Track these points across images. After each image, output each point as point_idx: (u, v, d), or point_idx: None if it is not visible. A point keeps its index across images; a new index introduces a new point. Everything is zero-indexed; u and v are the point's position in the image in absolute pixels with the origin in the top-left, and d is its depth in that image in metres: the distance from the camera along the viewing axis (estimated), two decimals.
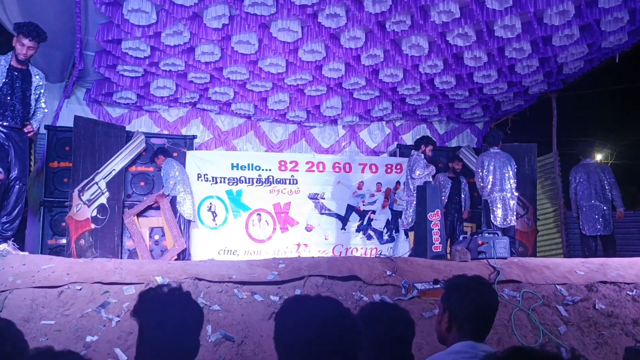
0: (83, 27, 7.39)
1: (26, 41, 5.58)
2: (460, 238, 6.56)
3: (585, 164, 8.25)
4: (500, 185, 7.68)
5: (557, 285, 5.32)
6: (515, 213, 7.81)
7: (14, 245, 5.46)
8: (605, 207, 7.93)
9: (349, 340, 1.65)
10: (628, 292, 5.32)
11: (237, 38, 7.68)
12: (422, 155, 8.00)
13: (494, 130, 8.70)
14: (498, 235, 6.07)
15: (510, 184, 7.72)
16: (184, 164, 8.84)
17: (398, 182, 9.70)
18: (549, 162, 10.11)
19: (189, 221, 8.36)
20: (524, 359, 1.12)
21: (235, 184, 9.16)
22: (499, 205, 7.64)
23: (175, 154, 8.86)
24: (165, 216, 8.09)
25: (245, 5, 7.03)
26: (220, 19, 7.26)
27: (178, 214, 8.15)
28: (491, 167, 7.75)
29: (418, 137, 10.53)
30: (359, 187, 9.59)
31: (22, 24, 5.65)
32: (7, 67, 5.61)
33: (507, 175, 7.74)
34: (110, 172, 8.20)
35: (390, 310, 2.44)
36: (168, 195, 8.16)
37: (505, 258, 5.81)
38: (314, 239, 9.32)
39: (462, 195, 8.97)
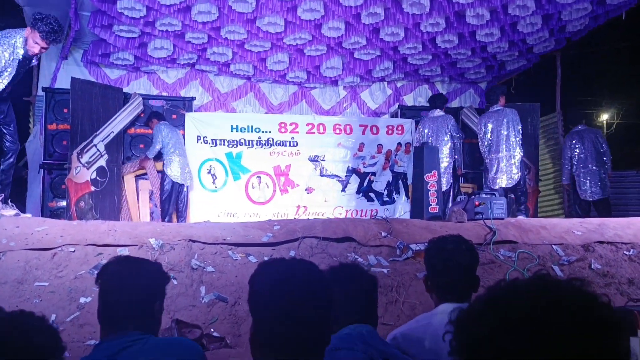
0: None
1: (43, 43, 5.27)
2: (458, 199, 6.53)
3: (578, 131, 8.48)
4: (496, 147, 7.72)
5: (553, 246, 5.31)
6: (513, 172, 7.79)
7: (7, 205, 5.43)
8: (602, 170, 8.13)
9: (324, 301, 1.64)
10: (625, 252, 5.30)
11: None
12: None
13: (493, 87, 8.59)
14: (495, 195, 6.03)
15: (510, 144, 7.68)
16: (183, 126, 8.77)
17: (399, 144, 9.60)
18: (552, 122, 9.98)
19: (181, 184, 8.20)
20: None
21: (235, 146, 9.10)
22: (493, 168, 7.69)
23: (174, 116, 8.80)
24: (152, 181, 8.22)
25: None
26: None
27: (165, 177, 8.05)
28: (489, 129, 7.77)
29: (420, 98, 10.51)
30: (360, 149, 9.51)
31: (42, 19, 5.25)
32: (20, 59, 5.32)
33: (504, 135, 7.70)
34: (109, 135, 8.16)
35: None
36: (151, 158, 8.19)
37: (502, 219, 5.78)
38: (314, 201, 9.30)
39: (455, 155, 8.85)
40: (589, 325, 0.92)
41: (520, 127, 7.90)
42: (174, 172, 8.05)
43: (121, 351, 1.90)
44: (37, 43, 5.28)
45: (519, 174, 7.83)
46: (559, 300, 0.96)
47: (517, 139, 7.82)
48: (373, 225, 5.34)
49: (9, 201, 5.50)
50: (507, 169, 7.77)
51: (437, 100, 8.73)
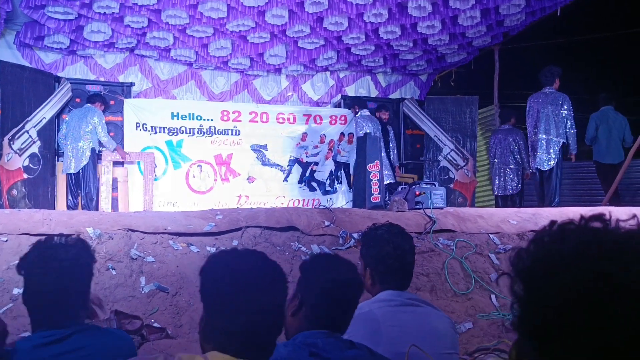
0: None
1: None
2: (399, 188, 6.63)
3: (501, 129, 8.84)
4: (537, 128, 7.66)
5: (490, 235, 5.46)
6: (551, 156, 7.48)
7: None
8: (518, 169, 8.51)
9: (275, 291, 1.64)
10: None
11: None
12: None
13: (550, 67, 7.89)
14: (435, 185, 6.15)
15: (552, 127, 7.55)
16: (121, 112, 8.55)
17: (342, 134, 9.67)
18: (490, 115, 10.27)
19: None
20: None
21: (175, 134, 8.93)
22: (535, 152, 7.64)
23: (112, 102, 8.55)
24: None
25: None
26: None
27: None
28: (535, 109, 7.71)
29: (362, 89, 10.63)
30: (303, 139, 9.52)
31: None
32: None
33: (550, 117, 7.55)
34: (41, 121, 7.85)
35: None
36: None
37: (442, 208, 5.91)
38: (256, 190, 9.25)
39: (391, 145, 8.96)
40: None
41: (565, 111, 7.48)
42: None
43: (61, 340, 1.84)
44: None
45: (555, 159, 7.49)
46: None
47: (560, 123, 7.47)
48: (316, 214, 5.36)
49: None
50: (545, 153, 7.52)
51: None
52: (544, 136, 7.52)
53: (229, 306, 1.55)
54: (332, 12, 8.34)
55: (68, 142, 7.77)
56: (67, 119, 7.87)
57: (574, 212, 5.98)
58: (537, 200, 7.61)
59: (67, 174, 7.86)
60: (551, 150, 7.46)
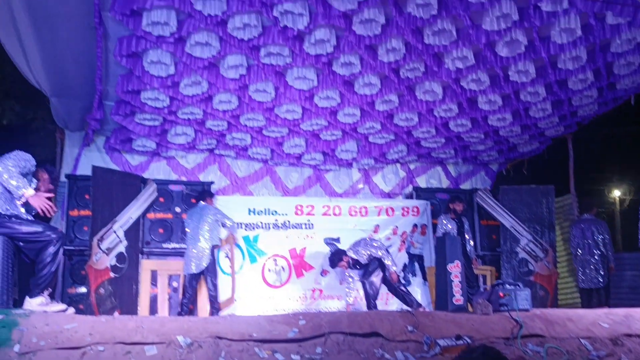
0: (103, 79, 7.50)
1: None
2: (482, 289, 6.51)
3: (581, 220, 8.75)
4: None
5: (581, 339, 5.24)
6: None
7: (48, 298, 5.28)
8: (602, 260, 8.33)
9: None
10: None
11: (254, 87, 7.75)
12: None
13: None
14: (519, 286, 6.01)
15: None
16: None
17: (415, 225, 9.66)
18: (567, 204, 10.06)
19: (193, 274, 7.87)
20: None
21: (252, 229, 9.20)
22: None
23: (193, 200, 8.90)
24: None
25: (262, 56, 7.12)
26: (237, 68, 7.32)
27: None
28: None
29: (432, 180, 10.68)
30: (375, 231, 9.54)
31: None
32: None
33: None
34: (128, 221, 8.25)
35: None
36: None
37: (528, 310, 5.74)
38: (329, 284, 9.24)
39: (467, 237, 8.81)
40: None
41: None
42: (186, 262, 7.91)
43: None
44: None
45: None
46: None
47: None
48: (398, 318, 5.31)
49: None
50: None
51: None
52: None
53: None
54: (403, 109, 8.56)
55: (189, 244, 7.86)
56: (186, 218, 8.19)
57: None
58: None
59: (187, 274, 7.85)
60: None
